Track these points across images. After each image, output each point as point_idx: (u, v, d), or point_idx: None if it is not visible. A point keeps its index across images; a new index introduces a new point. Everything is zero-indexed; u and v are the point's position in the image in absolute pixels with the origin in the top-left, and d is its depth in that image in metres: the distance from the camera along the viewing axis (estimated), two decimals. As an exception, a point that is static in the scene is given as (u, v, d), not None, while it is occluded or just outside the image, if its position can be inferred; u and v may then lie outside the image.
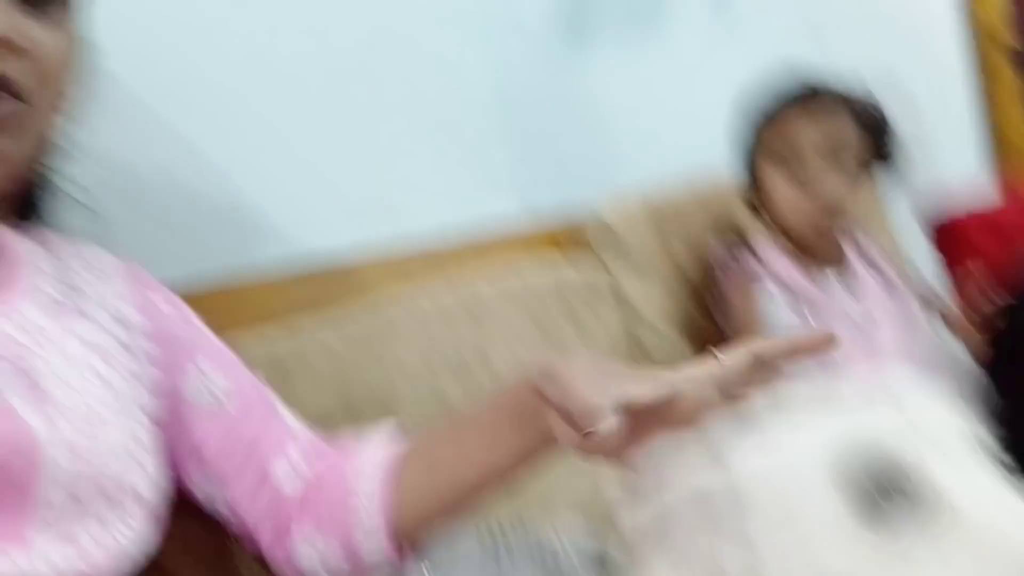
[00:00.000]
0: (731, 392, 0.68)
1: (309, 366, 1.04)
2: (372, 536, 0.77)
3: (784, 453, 0.61)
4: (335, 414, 1.02)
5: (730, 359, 0.69)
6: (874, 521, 0.57)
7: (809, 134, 1.32)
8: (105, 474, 0.68)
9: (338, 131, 1.23)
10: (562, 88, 1.50)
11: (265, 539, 0.81)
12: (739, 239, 1.42)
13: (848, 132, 1.34)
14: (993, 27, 2.15)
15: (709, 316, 1.42)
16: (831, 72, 1.39)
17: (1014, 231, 1.68)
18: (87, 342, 0.74)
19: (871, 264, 1.45)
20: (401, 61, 1.29)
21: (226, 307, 1.03)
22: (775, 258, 1.38)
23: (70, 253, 0.80)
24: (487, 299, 1.24)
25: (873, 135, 1.36)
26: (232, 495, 0.80)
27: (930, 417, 0.61)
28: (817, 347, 0.71)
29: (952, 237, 1.79)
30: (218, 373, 0.83)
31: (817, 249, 1.39)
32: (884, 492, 0.57)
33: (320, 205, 1.20)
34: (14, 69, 0.67)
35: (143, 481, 0.73)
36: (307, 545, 0.79)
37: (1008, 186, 2.04)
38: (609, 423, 0.64)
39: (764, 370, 0.69)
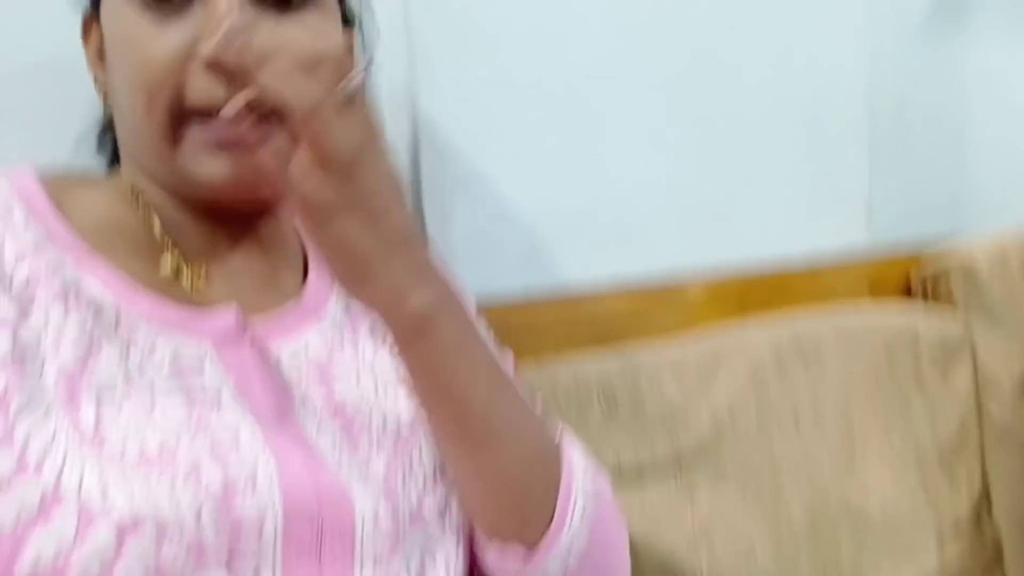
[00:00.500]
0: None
1: (638, 401, 0.96)
2: None
3: None
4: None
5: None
6: None
7: None
8: (418, 503, 0.66)
9: (675, 136, 1.11)
10: (935, 93, 1.26)
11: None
12: None
13: None
14: None
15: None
16: None
17: None
18: (371, 363, 0.71)
19: None
20: (754, 55, 1.14)
21: (553, 320, 1.02)
22: None
23: None
24: (824, 341, 1.09)
25: None
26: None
27: None
28: None
29: None
30: None
31: None
32: None
33: (653, 218, 1.10)
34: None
35: (455, 503, 0.69)
36: None
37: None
38: None
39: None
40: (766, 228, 1.16)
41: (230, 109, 0.57)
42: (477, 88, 0.99)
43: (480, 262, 1.01)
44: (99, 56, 0.70)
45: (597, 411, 0.94)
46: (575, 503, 0.66)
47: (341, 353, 0.69)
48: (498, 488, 0.65)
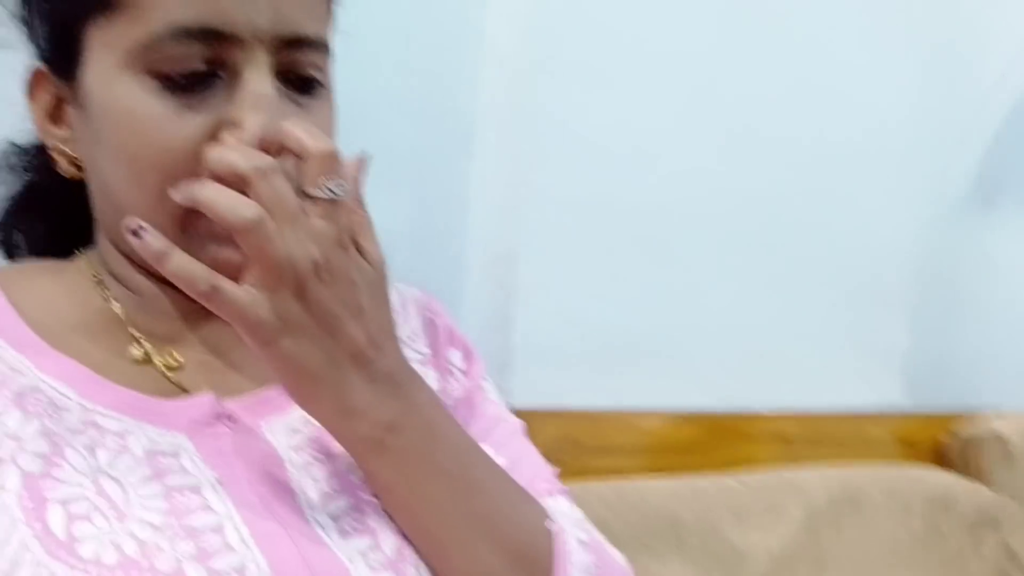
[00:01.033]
0: None
1: (703, 536, 0.95)
2: None
3: None
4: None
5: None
6: None
7: None
8: None
9: (742, 278, 1.14)
10: (975, 266, 1.32)
11: None
12: None
13: None
14: None
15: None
16: None
17: None
18: None
19: None
20: (818, 214, 1.19)
21: (613, 437, 1.02)
22: None
23: None
24: (872, 497, 1.11)
25: None
26: None
27: None
28: None
29: None
30: (499, 459, 0.70)
31: None
32: None
33: (713, 352, 1.13)
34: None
35: None
36: None
37: None
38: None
39: None
40: (809, 377, 1.18)
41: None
42: (575, 204, 1.01)
43: (554, 370, 1.01)
44: (49, 114, 0.63)
45: (661, 540, 0.93)
46: None
47: None
48: None
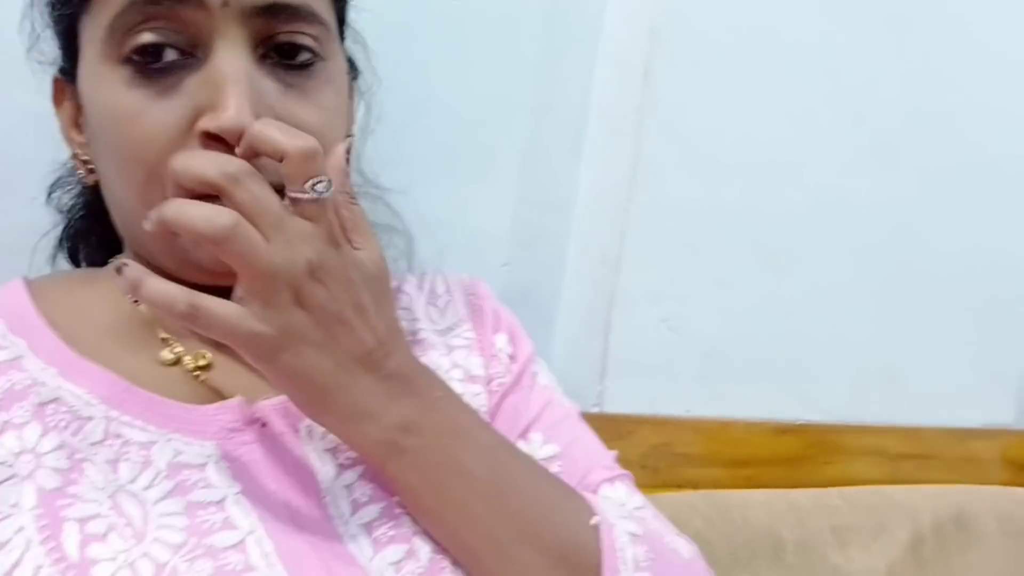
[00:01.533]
0: None
1: (803, 555, 0.93)
2: None
3: None
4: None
5: None
6: None
7: None
8: None
9: (856, 294, 1.10)
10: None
11: None
12: None
13: None
14: None
15: None
16: None
17: None
18: None
19: None
20: (943, 230, 1.14)
21: (711, 448, 1.00)
22: None
23: (411, 290, 0.71)
24: (983, 522, 1.06)
25: None
26: None
27: None
28: None
29: None
30: (550, 446, 0.67)
31: None
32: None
33: (821, 366, 1.09)
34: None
35: None
36: None
37: None
38: None
39: None
40: (920, 394, 1.14)
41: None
42: (682, 210, 0.99)
43: (652, 377, 0.99)
44: (74, 122, 0.62)
45: (759, 556, 0.91)
46: None
47: None
48: None
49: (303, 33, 0.56)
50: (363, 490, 0.58)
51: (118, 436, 0.55)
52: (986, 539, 1.03)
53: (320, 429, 0.58)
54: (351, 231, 0.54)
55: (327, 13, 0.59)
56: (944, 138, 1.09)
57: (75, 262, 0.72)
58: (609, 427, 0.94)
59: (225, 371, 0.60)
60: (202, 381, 0.60)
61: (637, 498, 0.65)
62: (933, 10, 1.07)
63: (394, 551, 0.56)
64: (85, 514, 0.52)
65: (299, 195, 0.50)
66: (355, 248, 0.53)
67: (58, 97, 0.64)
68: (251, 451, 0.57)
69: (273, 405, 0.59)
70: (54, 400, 0.55)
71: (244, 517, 0.54)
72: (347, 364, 0.52)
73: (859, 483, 1.06)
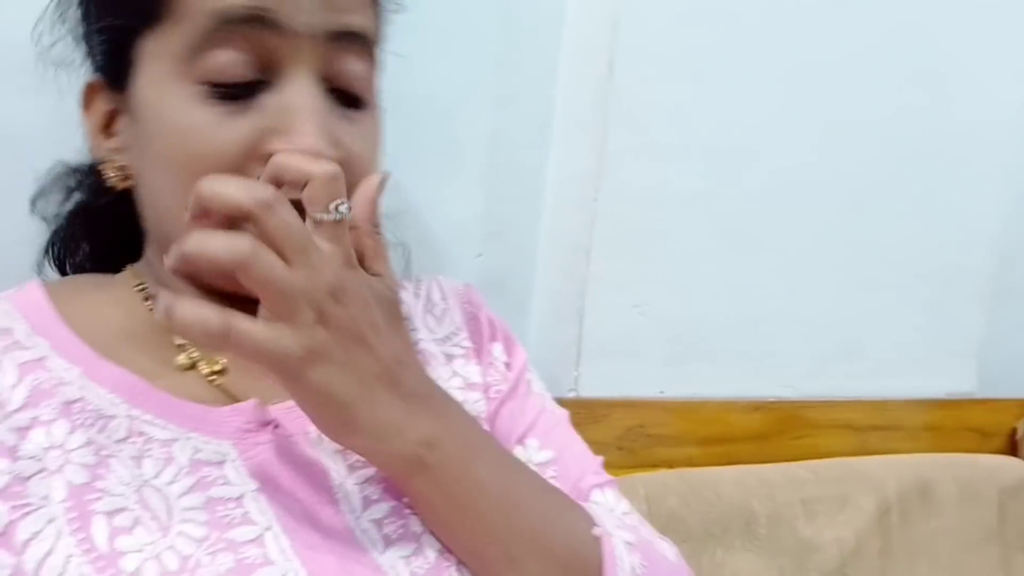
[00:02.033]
0: None
1: (774, 527, 0.95)
2: None
3: None
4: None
5: None
6: None
7: None
8: None
9: (819, 269, 1.13)
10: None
11: None
12: None
13: None
14: None
15: None
16: None
17: None
18: None
19: None
20: (901, 204, 1.16)
21: (682, 427, 1.02)
22: None
23: (407, 297, 0.73)
24: (944, 488, 1.10)
25: None
26: None
27: None
28: None
29: None
30: (546, 452, 0.71)
31: None
32: None
33: (784, 342, 1.11)
34: None
35: None
36: None
37: None
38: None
39: None
40: (883, 366, 1.17)
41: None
42: (648, 197, 1.00)
43: (624, 360, 1.01)
44: (103, 127, 0.64)
45: (732, 531, 0.93)
46: None
47: None
48: None
49: (362, 75, 0.60)
50: (373, 489, 0.60)
51: (141, 434, 0.57)
52: (948, 506, 1.06)
53: None
54: (371, 259, 0.56)
55: (376, 52, 0.63)
56: (890, 111, 1.11)
57: (62, 270, 0.74)
58: (584, 411, 0.96)
59: (239, 375, 0.63)
60: (217, 385, 0.62)
61: (623, 504, 0.69)
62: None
63: (404, 547, 0.58)
64: (113, 507, 0.54)
65: (323, 216, 0.52)
66: (373, 275, 0.56)
67: (89, 102, 0.65)
68: (265, 451, 0.59)
69: (286, 408, 0.60)
70: (79, 399, 0.57)
71: (261, 514, 0.56)
72: (369, 381, 0.53)
73: (829, 456, 1.09)
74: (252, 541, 0.55)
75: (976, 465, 1.13)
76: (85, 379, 0.58)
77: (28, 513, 0.53)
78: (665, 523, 0.88)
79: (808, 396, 1.11)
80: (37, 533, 0.52)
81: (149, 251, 0.65)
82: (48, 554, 0.52)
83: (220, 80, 0.56)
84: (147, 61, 0.58)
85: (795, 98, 1.05)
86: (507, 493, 0.59)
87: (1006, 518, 1.10)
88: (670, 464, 0.99)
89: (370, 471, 0.61)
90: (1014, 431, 1.24)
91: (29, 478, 0.54)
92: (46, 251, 0.74)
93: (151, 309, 0.63)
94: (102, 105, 0.63)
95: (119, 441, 0.56)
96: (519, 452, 0.69)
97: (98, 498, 0.54)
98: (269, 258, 0.50)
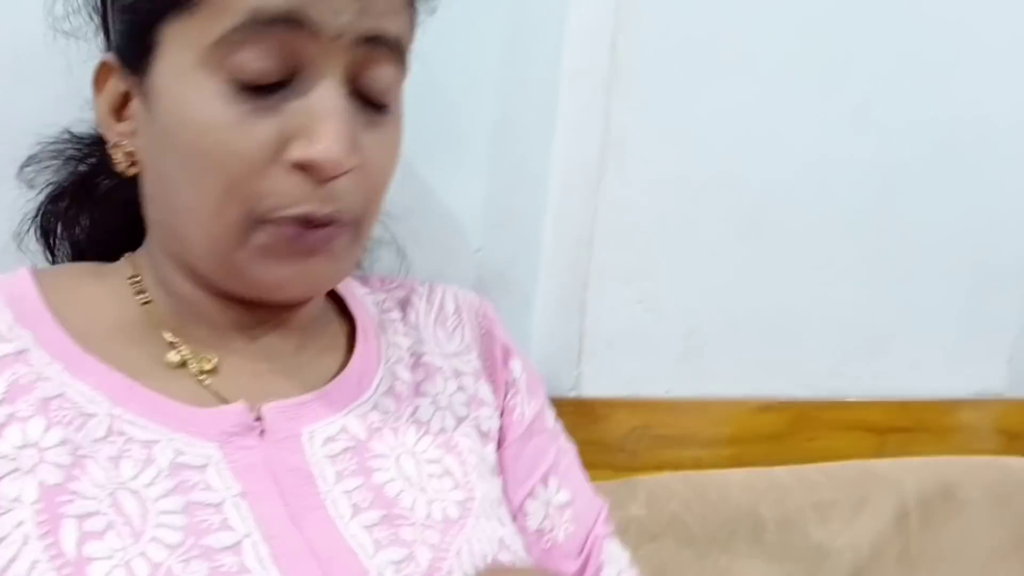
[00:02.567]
0: None
1: (784, 532, 0.93)
2: None
3: None
4: None
5: None
6: None
7: None
8: None
9: (842, 263, 1.09)
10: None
11: None
12: None
13: None
14: None
15: None
16: None
17: None
18: (412, 450, 0.65)
19: None
20: (931, 195, 1.12)
21: (694, 428, 1.00)
22: None
23: (419, 303, 0.73)
24: (969, 491, 1.06)
25: None
26: None
27: None
28: None
29: None
30: (564, 493, 0.73)
31: None
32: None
33: (805, 339, 1.08)
34: (346, 199, 0.58)
35: None
36: None
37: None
38: None
39: None
40: (906, 365, 1.13)
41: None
42: (655, 187, 0.97)
43: (631, 358, 0.98)
44: (115, 109, 0.62)
45: (739, 537, 0.90)
46: None
47: (380, 439, 0.63)
48: None
49: (388, 80, 0.59)
50: (364, 496, 0.59)
51: (121, 433, 0.56)
52: (973, 510, 1.02)
53: (321, 435, 0.61)
54: None
55: (406, 57, 0.61)
56: (922, 98, 1.07)
57: (47, 241, 0.71)
58: (586, 410, 0.94)
59: (230, 375, 0.62)
60: (207, 385, 0.61)
61: (625, 553, 0.73)
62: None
63: (395, 551, 0.58)
64: (84, 511, 0.52)
65: None
66: None
67: (102, 81, 0.63)
68: (252, 455, 0.58)
69: (278, 408, 0.60)
70: (59, 395, 0.56)
71: (241, 520, 0.55)
72: None
73: (845, 459, 1.05)
74: (230, 548, 0.54)
75: (1005, 468, 1.09)
76: (67, 375, 0.57)
77: None
78: (666, 527, 0.85)
79: (824, 395, 1.07)
80: (5, 537, 0.51)
81: (150, 241, 0.64)
82: (12, 560, 0.50)
83: (246, 78, 0.55)
84: (170, 47, 0.57)
85: (814, 78, 1.01)
86: None
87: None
88: (675, 467, 0.95)
89: (360, 479, 0.60)
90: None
91: (1, 479, 0.52)
92: (33, 219, 0.71)
93: (143, 303, 0.62)
94: (116, 86, 0.61)
95: (97, 440, 0.55)
96: (540, 491, 0.71)
97: (69, 500, 0.53)
98: None
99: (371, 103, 0.59)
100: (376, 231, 0.78)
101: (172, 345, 0.61)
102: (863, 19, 1.02)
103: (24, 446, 0.53)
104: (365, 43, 0.57)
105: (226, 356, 0.62)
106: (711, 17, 0.96)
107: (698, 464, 0.98)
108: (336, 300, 0.71)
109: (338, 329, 0.69)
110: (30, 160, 0.71)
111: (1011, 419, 1.18)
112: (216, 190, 0.56)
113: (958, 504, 1.02)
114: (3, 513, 0.51)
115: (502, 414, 0.71)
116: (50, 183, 0.71)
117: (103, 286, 0.63)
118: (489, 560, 0.61)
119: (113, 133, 0.62)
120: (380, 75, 0.58)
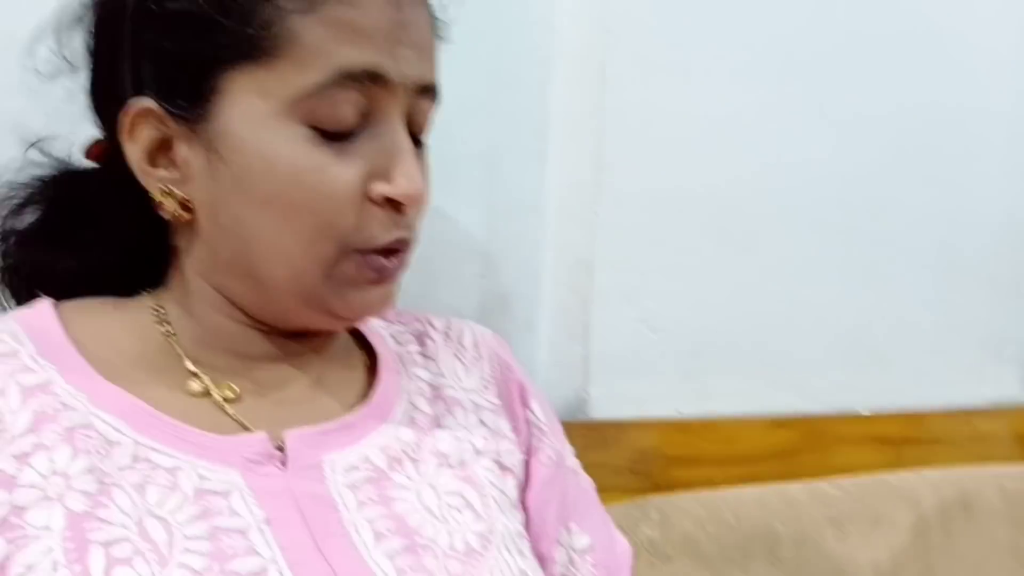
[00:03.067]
0: None
1: (801, 549, 0.90)
2: None
3: None
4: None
5: None
6: None
7: None
8: None
9: (838, 274, 1.09)
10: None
11: None
12: None
13: None
14: None
15: None
16: None
17: None
18: (433, 481, 0.65)
19: None
20: (920, 202, 1.12)
21: (702, 448, 0.99)
22: None
23: (437, 337, 0.74)
24: (990, 502, 1.04)
25: None
26: None
27: None
28: None
29: None
30: (584, 537, 0.73)
31: None
32: None
33: (807, 353, 1.07)
34: (412, 226, 0.64)
35: None
36: None
37: None
38: None
39: None
40: (918, 375, 1.12)
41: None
42: (652, 205, 0.97)
43: (638, 379, 0.97)
44: (151, 155, 0.61)
45: (753, 555, 0.89)
46: None
47: (401, 470, 0.64)
48: None
49: (428, 118, 0.65)
50: (386, 524, 0.60)
51: (146, 460, 0.57)
52: (995, 522, 1.00)
53: (343, 463, 0.62)
54: None
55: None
56: (905, 100, 1.07)
57: (29, 293, 0.68)
58: (596, 433, 0.93)
59: (252, 404, 0.63)
60: (229, 414, 0.62)
61: None
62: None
63: None
64: (111, 538, 0.53)
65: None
66: None
67: (136, 126, 0.61)
68: (274, 483, 0.59)
69: (300, 436, 0.61)
70: (84, 425, 0.57)
71: (266, 546, 0.56)
72: None
73: (861, 473, 1.04)
74: (255, 574, 0.54)
75: (1021, 476, 1.07)
76: (90, 405, 0.58)
77: (26, 545, 0.52)
78: (680, 548, 0.84)
79: (835, 409, 1.06)
80: (33, 566, 0.51)
81: (187, 274, 0.64)
82: None
83: (327, 125, 0.59)
84: (239, 95, 0.58)
85: (795, 90, 1.02)
86: None
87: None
88: (688, 487, 0.94)
89: (382, 508, 0.60)
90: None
91: (29, 507, 0.53)
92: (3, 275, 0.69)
93: (165, 334, 0.63)
94: (151, 132, 0.61)
95: (122, 468, 0.56)
96: (563, 535, 0.71)
97: (97, 528, 0.53)
98: None
99: (415, 139, 0.64)
100: None
101: (194, 375, 0.62)
102: (840, 29, 1.03)
103: (51, 474, 0.54)
104: (420, 92, 0.62)
105: (248, 385, 0.63)
106: (695, 36, 0.97)
107: (710, 483, 0.96)
108: (353, 331, 0.72)
109: (357, 360, 0.70)
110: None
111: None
112: (307, 229, 0.59)
113: (979, 516, 1.01)
114: (32, 540, 0.52)
115: (527, 454, 0.72)
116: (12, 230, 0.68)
117: (123, 318, 0.64)
118: None
119: (153, 180, 0.62)
120: (426, 115, 0.64)
